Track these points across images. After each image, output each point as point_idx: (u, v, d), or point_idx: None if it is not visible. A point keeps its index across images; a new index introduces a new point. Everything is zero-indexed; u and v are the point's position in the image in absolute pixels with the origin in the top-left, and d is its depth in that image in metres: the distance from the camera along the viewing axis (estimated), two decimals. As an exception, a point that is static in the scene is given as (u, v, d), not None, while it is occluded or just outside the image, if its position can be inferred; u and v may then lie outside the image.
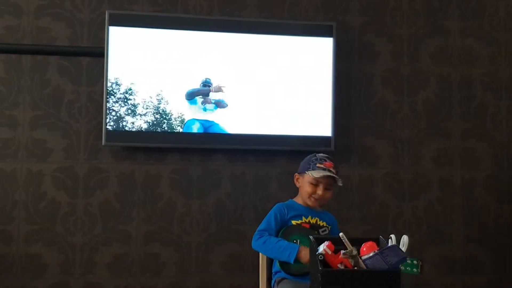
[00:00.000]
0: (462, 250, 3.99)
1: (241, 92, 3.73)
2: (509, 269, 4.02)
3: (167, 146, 3.71)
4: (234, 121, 3.72)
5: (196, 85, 3.68)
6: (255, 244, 2.62)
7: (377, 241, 2.15)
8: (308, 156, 2.72)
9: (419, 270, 2.13)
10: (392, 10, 4.00)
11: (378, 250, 2.03)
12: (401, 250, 2.04)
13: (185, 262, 3.75)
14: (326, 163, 2.64)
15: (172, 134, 3.67)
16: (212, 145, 3.73)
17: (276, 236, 2.63)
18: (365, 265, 2.00)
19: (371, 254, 2.01)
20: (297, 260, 2.49)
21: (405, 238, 2.15)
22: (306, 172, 2.66)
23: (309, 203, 2.69)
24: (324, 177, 2.61)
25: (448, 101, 4.02)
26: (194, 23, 3.71)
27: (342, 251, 2.01)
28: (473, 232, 4.00)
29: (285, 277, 2.60)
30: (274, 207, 2.71)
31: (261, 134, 3.74)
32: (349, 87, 3.93)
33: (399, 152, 3.97)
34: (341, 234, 2.06)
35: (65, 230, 3.65)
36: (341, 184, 2.64)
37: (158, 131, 3.65)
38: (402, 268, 2.21)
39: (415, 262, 2.13)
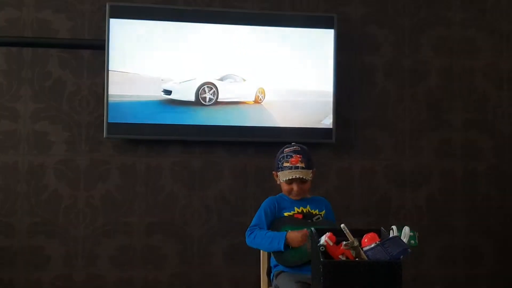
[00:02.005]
0: (464, 241, 3.99)
1: (242, 84, 3.72)
2: (510, 260, 4.02)
3: (168, 138, 3.72)
4: (235, 113, 3.72)
5: (195, 77, 3.68)
6: (247, 240, 2.66)
7: (378, 232, 2.16)
8: (278, 152, 2.72)
9: (416, 241, 2.13)
10: (393, 1, 3.99)
11: (380, 241, 2.03)
12: (402, 241, 2.04)
13: (187, 254, 3.76)
14: (292, 159, 2.62)
15: (173, 127, 3.66)
16: (213, 138, 3.73)
17: (268, 229, 2.64)
18: (367, 256, 2.01)
19: (372, 245, 2.01)
20: (288, 248, 2.50)
21: (406, 229, 2.15)
22: (277, 171, 2.68)
23: (292, 198, 2.70)
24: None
25: (449, 92, 4.02)
26: (195, 15, 3.71)
27: (344, 242, 2.01)
28: (474, 223, 4.00)
29: (283, 270, 2.61)
30: (265, 201, 2.73)
31: (262, 126, 3.74)
32: (350, 79, 3.92)
33: (400, 143, 3.96)
34: (342, 225, 2.06)
35: (67, 222, 3.66)
36: (308, 177, 2.62)
37: (159, 124, 3.64)
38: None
39: (411, 233, 2.12)
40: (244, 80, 3.73)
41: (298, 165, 2.60)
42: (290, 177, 2.61)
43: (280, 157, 2.68)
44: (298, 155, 2.63)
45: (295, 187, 2.65)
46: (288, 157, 2.64)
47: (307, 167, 2.63)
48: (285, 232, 2.54)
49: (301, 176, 2.60)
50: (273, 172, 2.76)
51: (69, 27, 3.71)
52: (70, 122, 3.69)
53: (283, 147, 2.72)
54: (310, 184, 2.70)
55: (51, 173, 3.67)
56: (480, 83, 4.05)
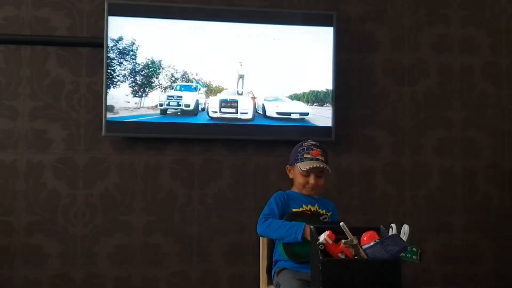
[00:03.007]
0: (463, 240, 3.99)
1: (241, 82, 3.72)
2: (510, 258, 4.02)
3: (167, 136, 3.71)
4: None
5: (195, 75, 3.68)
6: (260, 227, 2.59)
7: (377, 230, 2.15)
8: (296, 146, 2.73)
9: (418, 257, 2.14)
10: (393, -1, 3.99)
11: (379, 239, 2.03)
12: (401, 239, 2.04)
13: (186, 252, 3.75)
14: (313, 151, 2.64)
15: (172, 125, 3.66)
16: (213, 136, 3.73)
17: None
18: (366, 254, 2.01)
19: (371, 244, 2.01)
20: (303, 239, 2.49)
21: (405, 228, 2.15)
22: (295, 164, 2.68)
23: (305, 192, 2.70)
24: (312, 168, 2.62)
25: (448, 91, 4.01)
26: (194, 13, 3.70)
27: (343, 241, 2.01)
28: (474, 221, 4.00)
29: (285, 267, 2.60)
30: (275, 194, 2.72)
31: (261, 124, 3.74)
32: (350, 77, 3.92)
33: (399, 141, 3.96)
34: (341, 223, 2.05)
35: (65, 221, 3.66)
36: (328, 172, 2.64)
37: (158, 122, 3.64)
38: (402, 255, 2.22)
39: (414, 249, 2.13)
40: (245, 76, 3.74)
41: (319, 157, 2.63)
42: (311, 166, 2.60)
43: (300, 149, 2.69)
44: (319, 149, 2.66)
45: (311, 180, 2.65)
46: (309, 149, 2.66)
47: (326, 162, 2.66)
48: (304, 223, 2.52)
49: (322, 166, 2.61)
50: (287, 166, 2.77)
51: (67, 25, 3.70)
52: (68, 120, 3.68)
53: (301, 142, 2.73)
54: (324, 182, 2.70)
55: (49, 171, 3.66)
56: (479, 81, 4.04)
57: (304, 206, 2.68)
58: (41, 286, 3.61)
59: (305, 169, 2.62)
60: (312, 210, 2.68)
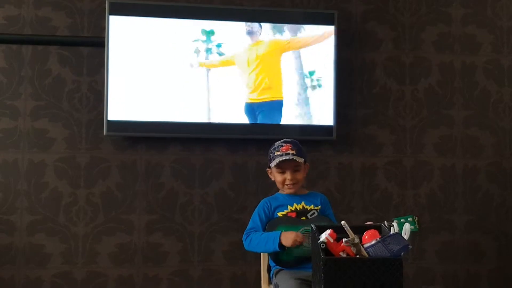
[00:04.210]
0: (465, 238, 3.99)
1: (242, 81, 3.72)
2: (511, 256, 4.02)
3: (168, 136, 3.71)
4: (235, 110, 3.72)
5: (195, 76, 3.68)
6: (245, 244, 2.68)
7: (379, 229, 2.15)
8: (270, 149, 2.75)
9: (416, 226, 2.14)
10: (394, -2, 3.99)
11: (380, 238, 2.03)
12: (403, 238, 2.04)
13: (188, 251, 3.75)
14: (283, 147, 2.66)
15: (173, 124, 3.66)
16: (214, 135, 3.73)
17: (264, 231, 2.65)
18: (367, 253, 2.00)
19: (373, 242, 2.01)
20: (284, 247, 2.50)
21: (407, 226, 2.15)
22: (270, 165, 2.70)
23: (287, 191, 2.71)
24: (283, 162, 2.63)
25: (450, 89, 4.01)
26: (195, 12, 3.70)
27: (344, 239, 2.01)
28: (475, 220, 4.00)
29: (283, 268, 2.61)
30: (259, 204, 2.74)
31: (263, 123, 3.73)
32: (351, 76, 3.91)
33: (401, 140, 3.96)
34: (343, 222, 2.05)
35: (67, 220, 3.66)
36: (300, 161, 2.63)
37: (159, 121, 3.64)
38: (399, 228, 2.22)
39: (410, 219, 2.13)
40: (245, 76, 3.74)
41: (289, 151, 2.63)
42: (279, 160, 2.62)
43: (272, 149, 2.71)
44: (288, 144, 2.67)
45: (288, 175, 2.67)
46: (279, 147, 2.68)
47: (298, 154, 2.64)
48: (279, 232, 2.53)
49: (292, 158, 2.61)
50: (267, 170, 2.78)
51: (68, 24, 3.70)
52: (70, 120, 3.68)
53: (274, 143, 2.75)
54: (303, 175, 2.71)
55: (51, 170, 3.66)
56: (480, 80, 4.04)
57: (289, 207, 2.68)
58: (42, 285, 3.62)
59: (274, 166, 2.65)
60: (298, 208, 2.68)
